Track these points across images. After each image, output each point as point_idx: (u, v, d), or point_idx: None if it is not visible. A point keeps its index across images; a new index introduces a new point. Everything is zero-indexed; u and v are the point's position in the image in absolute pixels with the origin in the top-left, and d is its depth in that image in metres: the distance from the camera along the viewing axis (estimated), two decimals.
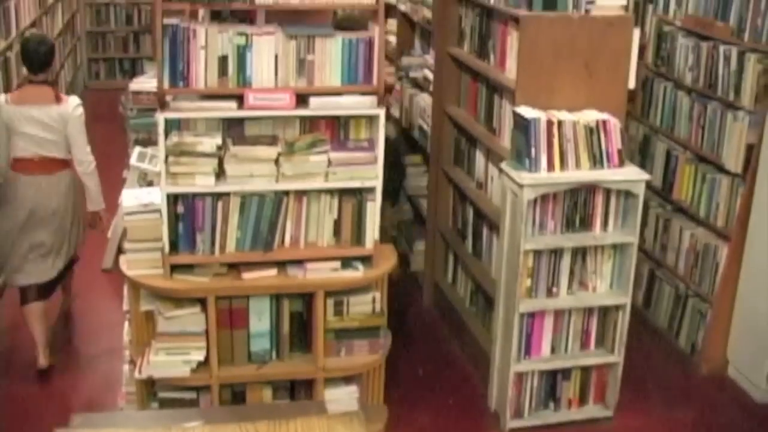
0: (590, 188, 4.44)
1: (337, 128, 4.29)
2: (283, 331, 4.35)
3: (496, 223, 4.71)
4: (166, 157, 4.05)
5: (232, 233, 4.19)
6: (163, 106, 4.05)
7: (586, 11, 4.45)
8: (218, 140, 4.09)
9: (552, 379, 4.75)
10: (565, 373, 4.73)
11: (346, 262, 4.32)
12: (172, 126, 4.12)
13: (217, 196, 4.14)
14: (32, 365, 5.14)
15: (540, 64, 4.44)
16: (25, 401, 4.89)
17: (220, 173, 4.12)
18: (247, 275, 4.23)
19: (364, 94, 4.18)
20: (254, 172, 4.12)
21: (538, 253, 4.45)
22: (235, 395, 4.39)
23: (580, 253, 4.54)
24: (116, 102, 7.06)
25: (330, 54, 4.12)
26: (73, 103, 5.13)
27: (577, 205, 4.46)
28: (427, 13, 5.97)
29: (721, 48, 5.19)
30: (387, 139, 4.44)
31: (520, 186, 4.28)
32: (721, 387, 5.23)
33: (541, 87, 4.46)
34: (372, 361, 4.45)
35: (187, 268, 4.22)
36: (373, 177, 4.24)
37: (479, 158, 5.22)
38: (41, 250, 5.18)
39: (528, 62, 4.44)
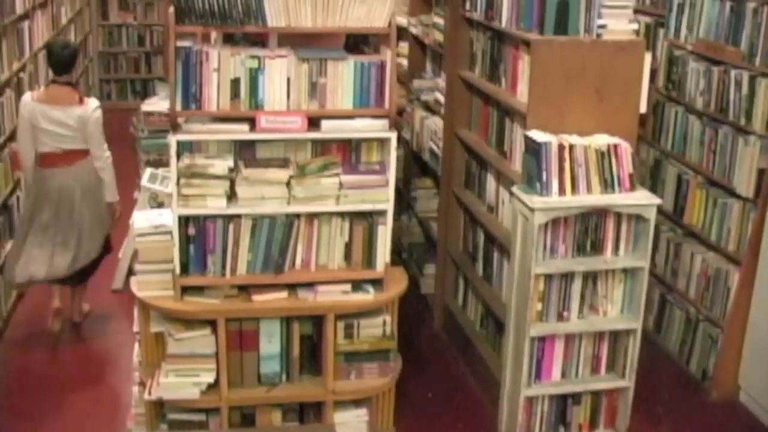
0: (601, 212, 4.43)
1: (349, 151, 4.30)
2: (293, 354, 4.34)
3: (507, 246, 4.70)
4: (178, 179, 4.07)
5: (243, 255, 4.20)
6: (176, 128, 4.06)
7: (598, 35, 4.45)
8: (230, 162, 4.11)
9: (562, 404, 4.72)
10: (576, 397, 4.71)
11: (357, 285, 4.32)
12: (184, 148, 4.14)
13: (229, 219, 4.15)
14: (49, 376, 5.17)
15: (551, 88, 4.44)
16: (33, 418, 4.89)
17: (231, 195, 4.13)
18: (258, 297, 4.23)
19: (375, 117, 4.19)
20: (266, 194, 4.13)
21: (548, 277, 4.44)
22: (245, 417, 4.38)
23: (591, 278, 4.53)
24: (127, 123, 7.09)
25: (342, 77, 4.13)
26: (92, 105, 5.53)
27: (588, 230, 4.45)
28: (439, 37, 5.99)
29: (733, 72, 5.19)
30: None
31: (531, 210, 4.28)
32: (732, 413, 5.19)
33: (552, 111, 4.46)
34: (382, 385, 4.43)
35: (198, 290, 4.23)
36: (385, 200, 4.25)
37: (490, 182, 5.22)
38: (59, 244, 5.50)
39: (539, 86, 4.44)
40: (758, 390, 5.12)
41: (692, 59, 5.61)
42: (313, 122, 4.14)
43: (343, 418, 4.37)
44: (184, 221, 4.14)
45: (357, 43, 4.50)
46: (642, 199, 4.42)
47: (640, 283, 4.51)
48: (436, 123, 6.07)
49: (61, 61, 5.53)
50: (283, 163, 4.19)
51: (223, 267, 4.19)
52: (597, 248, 4.48)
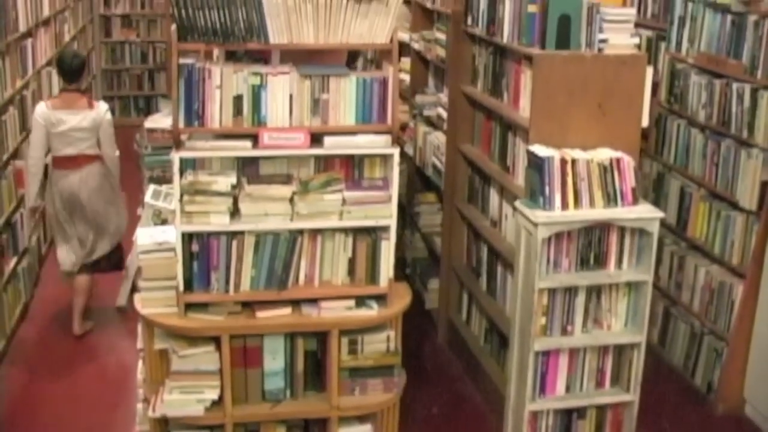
0: (604, 226, 4.43)
1: (352, 167, 4.30)
2: (297, 370, 4.33)
3: (511, 261, 4.70)
4: (181, 195, 4.07)
5: (247, 272, 4.20)
6: (179, 145, 4.07)
7: (599, 50, 4.47)
8: (233, 179, 4.11)
9: (567, 418, 4.71)
10: (581, 411, 4.69)
11: (361, 301, 4.32)
12: (187, 165, 4.14)
13: (232, 235, 4.15)
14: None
15: (553, 103, 4.45)
16: None
17: (234, 212, 4.13)
18: (262, 314, 4.23)
19: (378, 133, 4.20)
20: (269, 210, 4.13)
21: (552, 292, 4.43)
22: None
23: (595, 292, 4.52)
24: (131, 139, 7.08)
25: (344, 93, 4.14)
26: (103, 108, 5.97)
27: (591, 244, 4.45)
28: (441, 52, 6.00)
29: (734, 85, 5.20)
30: None
31: (535, 224, 4.28)
32: (738, 426, 5.18)
33: (554, 125, 4.47)
34: (386, 400, 4.43)
35: (202, 306, 4.22)
36: (388, 215, 4.25)
37: (493, 196, 5.23)
38: (75, 239, 5.98)
39: (541, 100, 4.45)
40: (764, 403, 5.11)
41: (694, 72, 5.62)
42: (316, 138, 4.14)
43: None
44: (187, 238, 4.14)
45: (354, 58, 4.51)
46: (645, 212, 4.41)
47: (643, 297, 4.50)
48: (438, 138, 6.09)
49: (72, 70, 5.91)
50: (286, 180, 4.19)
51: (227, 283, 4.19)
52: (600, 262, 4.47)
